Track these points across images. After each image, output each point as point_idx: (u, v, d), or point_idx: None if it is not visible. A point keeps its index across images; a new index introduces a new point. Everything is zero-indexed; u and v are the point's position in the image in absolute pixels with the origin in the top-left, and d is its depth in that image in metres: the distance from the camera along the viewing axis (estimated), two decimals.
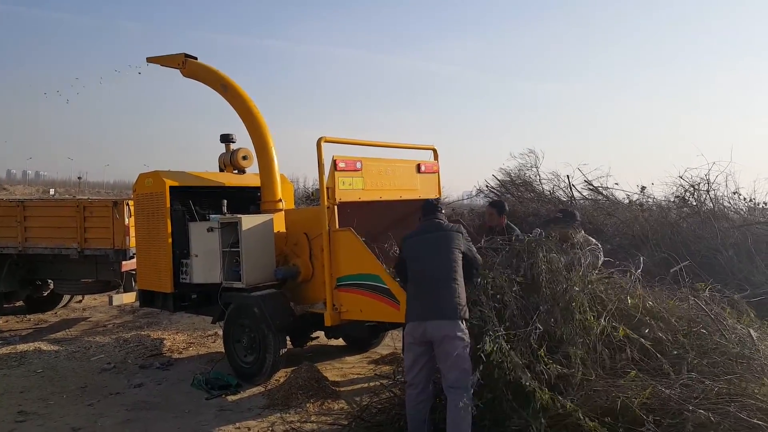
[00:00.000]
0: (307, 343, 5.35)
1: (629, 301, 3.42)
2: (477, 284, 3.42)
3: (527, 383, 2.89)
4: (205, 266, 5.09)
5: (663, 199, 7.25)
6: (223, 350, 5.23)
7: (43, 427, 4.08)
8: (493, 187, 9.69)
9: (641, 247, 5.99)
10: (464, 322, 3.14)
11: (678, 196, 6.91)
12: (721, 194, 6.51)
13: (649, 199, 7.40)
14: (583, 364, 3.07)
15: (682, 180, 6.80)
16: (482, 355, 3.02)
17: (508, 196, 8.96)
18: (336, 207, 4.41)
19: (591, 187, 8.19)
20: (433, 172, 5.48)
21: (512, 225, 4.80)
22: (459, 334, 3.09)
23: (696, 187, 6.60)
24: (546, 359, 3.01)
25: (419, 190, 5.25)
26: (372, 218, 4.85)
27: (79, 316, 8.02)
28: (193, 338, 6.54)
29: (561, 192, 8.50)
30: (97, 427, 4.05)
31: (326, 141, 4.52)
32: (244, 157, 6.14)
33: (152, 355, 5.86)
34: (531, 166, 9.10)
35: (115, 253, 6.55)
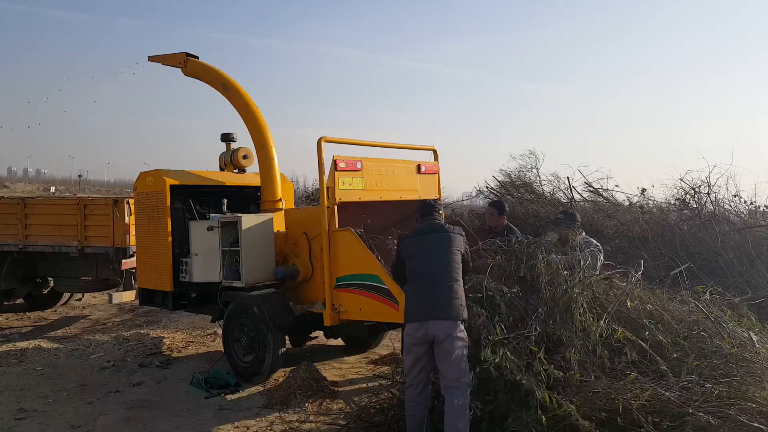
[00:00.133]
0: (306, 343, 5.36)
1: (629, 304, 3.42)
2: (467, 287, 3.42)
3: (524, 381, 2.88)
4: (205, 265, 5.09)
5: (663, 201, 7.25)
6: (222, 349, 5.23)
7: (43, 424, 4.08)
8: (493, 188, 9.70)
9: (641, 249, 5.99)
10: (463, 323, 3.15)
11: (678, 199, 6.91)
12: (721, 197, 6.52)
13: (650, 202, 7.40)
14: (581, 365, 3.06)
15: (682, 182, 6.81)
16: (481, 357, 3.02)
17: (508, 197, 8.96)
18: (336, 207, 4.41)
19: (591, 189, 8.19)
20: (434, 173, 5.48)
21: (512, 226, 4.80)
22: (459, 334, 3.11)
23: (696, 189, 6.60)
24: (544, 359, 3.01)
25: (419, 190, 5.25)
26: (372, 218, 4.85)
27: (78, 314, 8.02)
28: (193, 337, 6.54)
29: (561, 194, 8.50)
30: (96, 425, 4.05)
31: (326, 141, 4.52)
32: (245, 157, 6.14)
33: (151, 354, 5.87)
34: (531, 168, 9.11)
35: (115, 251, 6.54)
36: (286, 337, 4.95)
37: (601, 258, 4.09)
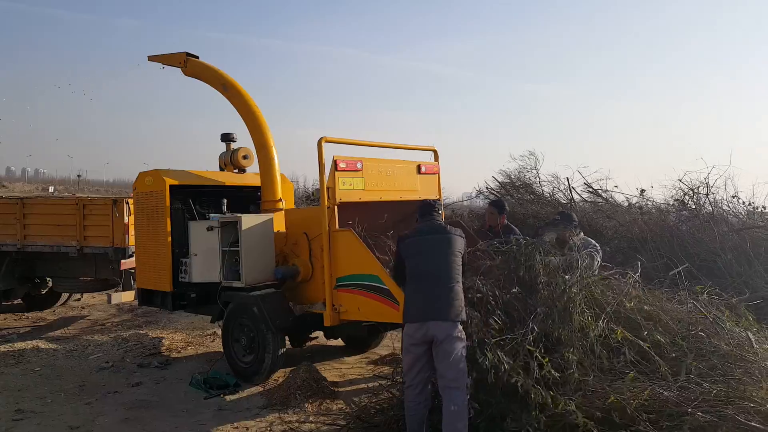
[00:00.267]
0: (306, 343, 5.36)
1: (627, 304, 3.43)
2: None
3: (521, 384, 2.89)
4: (205, 265, 5.09)
5: (662, 202, 7.27)
6: (221, 350, 5.22)
7: (41, 425, 4.07)
8: (492, 189, 9.71)
9: (640, 250, 6.00)
10: (462, 324, 3.16)
11: (677, 200, 6.93)
12: (720, 198, 6.54)
13: (649, 202, 7.43)
14: (580, 365, 3.07)
15: (681, 183, 6.83)
16: (479, 359, 3.03)
17: (508, 197, 8.97)
18: (336, 207, 4.41)
19: (591, 190, 8.21)
20: (434, 173, 5.49)
21: (512, 225, 4.82)
22: (459, 334, 3.12)
23: (695, 190, 6.62)
24: (542, 359, 3.01)
25: (419, 191, 5.26)
26: (372, 218, 4.85)
27: (77, 315, 8.00)
28: (192, 337, 6.53)
29: (561, 194, 8.52)
30: (94, 425, 4.04)
31: (327, 141, 4.52)
32: (245, 157, 6.14)
33: (151, 354, 5.86)
34: (531, 168, 9.12)
35: (114, 251, 6.54)
36: (286, 338, 4.95)
37: (598, 259, 4.11)
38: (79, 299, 8.62)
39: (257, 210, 5.43)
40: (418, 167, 5.30)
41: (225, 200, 5.53)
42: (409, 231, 3.59)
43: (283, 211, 5.37)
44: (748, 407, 2.69)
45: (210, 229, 5.01)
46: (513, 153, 9.60)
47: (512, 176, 9.45)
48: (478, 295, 3.39)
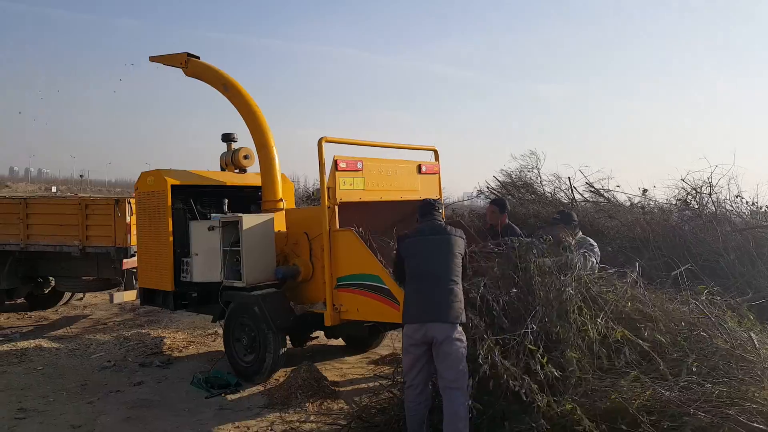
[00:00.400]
0: (307, 343, 5.36)
1: (624, 304, 3.42)
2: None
3: (523, 392, 2.89)
4: (206, 265, 5.10)
5: (665, 201, 7.23)
6: (223, 349, 5.24)
7: (43, 424, 4.09)
8: (493, 189, 9.69)
9: (642, 249, 5.98)
10: (461, 325, 3.16)
11: (680, 199, 6.90)
12: (723, 198, 6.50)
13: (651, 202, 7.38)
14: (579, 364, 3.06)
15: (684, 183, 6.79)
16: (480, 360, 3.02)
17: (509, 197, 8.94)
18: (337, 207, 4.41)
19: (592, 190, 8.18)
20: (434, 173, 5.48)
21: (513, 225, 4.81)
22: (458, 336, 3.12)
23: (698, 190, 6.58)
24: (543, 362, 3.01)
25: (420, 190, 5.25)
26: (372, 218, 4.85)
27: (79, 314, 8.03)
28: (193, 337, 6.55)
29: (562, 194, 8.49)
30: (96, 424, 4.06)
31: (327, 141, 4.52)
32: (246, 157, 6.15)
33: (152, 354, 5.87)
34: (532, 168, 9.08)
35: (116, 250, 6.56)
36: (287, 337, 4.95)
37: (593, 259, 4.09)
38: (81, 298, 8.65)
39: (258, 210, 5.43)
40: (419, 167, 5.30)
41: (226, 200, 5.54)
42: (409, 231, 3.59)
43: (284, 211, 5.38)
44: (751, 408, 2.68)
45: (211, 228, 5.02)
46: (514, 152, 9.56)
47: (513, 176, 9.41)
48: (472, 294, 3.39)
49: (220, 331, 5.59)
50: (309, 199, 13.01)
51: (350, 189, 4.57)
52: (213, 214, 5.28)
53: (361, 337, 5.60)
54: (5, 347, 6.14)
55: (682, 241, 5.95)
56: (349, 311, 4.33)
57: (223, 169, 6.27)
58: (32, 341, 6.40)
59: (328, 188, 4.43)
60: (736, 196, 6.50)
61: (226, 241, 4.94)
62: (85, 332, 6.95)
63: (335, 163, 4.46)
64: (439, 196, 5.43)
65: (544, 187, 8.84)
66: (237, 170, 6.21)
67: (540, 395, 2.89)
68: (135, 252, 6.13)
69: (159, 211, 5.38)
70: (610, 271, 3.74)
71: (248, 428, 3.93)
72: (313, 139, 4.53)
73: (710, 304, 3.51)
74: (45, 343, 6.33)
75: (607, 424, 2.75)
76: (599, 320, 3.24)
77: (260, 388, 4.67)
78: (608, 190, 8.04)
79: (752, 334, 3.28)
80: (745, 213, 6.60)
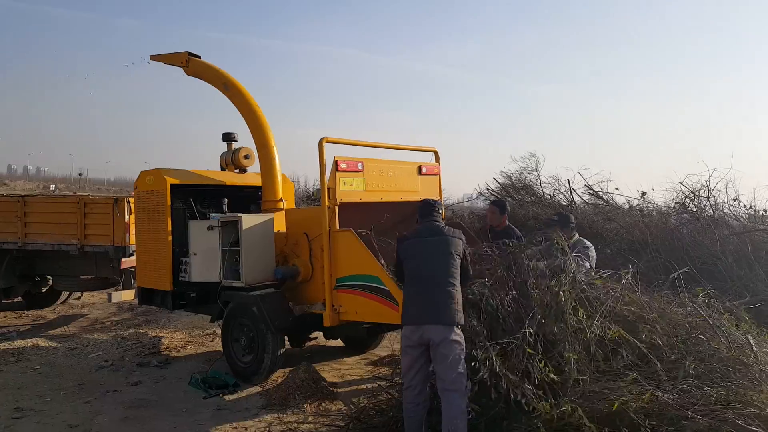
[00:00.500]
0: (306, 344, 5.35)
1: (618, 305, 3.42)
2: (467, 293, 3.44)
3: (524, 401, 2.89)
4: (205, 265, 5.09)
5: (663, 204, 7.27)
6: (221, 349, 5.23)
7: (40, 423, 4.07)
8: (493, 190, 9.71)
9: (641, 252, 6.00)
10: (459, 327, 3.15)
11: (678, 202, 6.93)
12: (721, 201, 6.53)
13: (650, 205, 7.42)
14: (577, 364, 3.07)
15: (682, 186, 6.82)
16: (478, 365, 3.03)
17: (509, 199, 8.97)
18: (337, 207, 4.41)
19: (591, 192, 8.20)
20: (434, 174, 5.49)
21: (513, 226, 4.82)
22: (455, 338, 3.11)
23: (696, 193, 6.61)
24: (541, 366, 3.01)
25: (420, 191, 5.26)
26: (372, 219, 4.85)
27: (77, 313, 8.01)
28: (192, 337, 6.54)
29: (561, 196, 8.51)
30: (94, 424, 4.04)
31: (328, 141, 4.52)
32: (246, 156, 6.15)
33: (150, 353, 5.86)
34: (532, 170, 9.12)
35: (114, 250, 6.55)
36: (286, 338, 4.95)
37: (588, 263, 4.10)
38: (79, 298, 8.63)
39: (258, 210, 5.43)
40: (419, 168, 5.30)
41: (226, 200, 5.53)
42: (408, 232, 3.59)
43: (284, 211, 5.38)
44: (748, 411, 2.68)
45: (210, 228, 5.01)
46: (514, 154, 9.61)
47: (513, 178, 9.45)
48: (470, 296, 3.39)
49: (219, 332, 5.59)
50: (309, 199, 13.01)
51: (350, 189, 4.57)
52: (212, 214, 5.28)
53: (359, 338, 5.60)
54: (2, 346, 6.12)
55: (680, 244, 5.97)
56: (348, 312, 4.32)
57: (223, 169, 6.26)
58: (29, 340, 6.38)
59: (329, 189, 4.43)
60: (734, 200, 6.53)
61: (226, 240, 4.94)
62: (83, 331, 6.93)
63: (336, 163, 4.46)
64: (439, 197, 5.44)
65: (544, 189, 8.87)
66: (237, 170, 6.21)
67: (540, 403, 2.88)
68: (133, 251, 6.12)
69: (158, 210, 5.37)
70: (605, 273, 3.75)
71: (246, 429, 3.92)
72: (313, 139, 4.53)
73: (708, 307, 3.52)
74: (42, 342, 6.31)
75: (607, 426, 2.75)
76: (595, 321, 3.24)
77: (258, 388, 4.66)
78: (607, 193, 8.07)
79: (749, 337, 3.28)
80: (742, 216, 6.63)
